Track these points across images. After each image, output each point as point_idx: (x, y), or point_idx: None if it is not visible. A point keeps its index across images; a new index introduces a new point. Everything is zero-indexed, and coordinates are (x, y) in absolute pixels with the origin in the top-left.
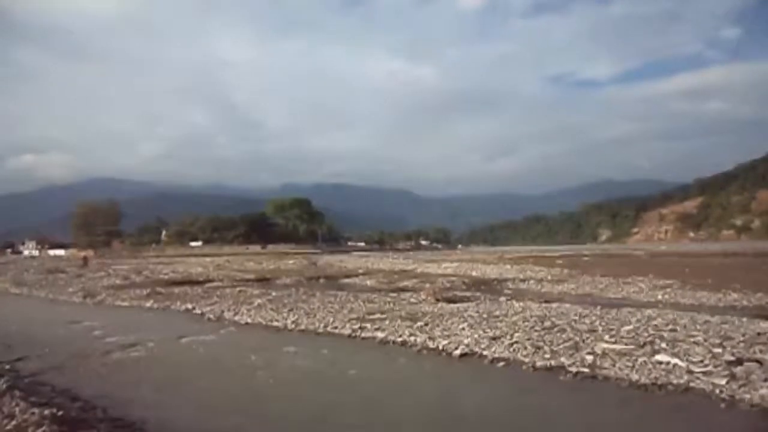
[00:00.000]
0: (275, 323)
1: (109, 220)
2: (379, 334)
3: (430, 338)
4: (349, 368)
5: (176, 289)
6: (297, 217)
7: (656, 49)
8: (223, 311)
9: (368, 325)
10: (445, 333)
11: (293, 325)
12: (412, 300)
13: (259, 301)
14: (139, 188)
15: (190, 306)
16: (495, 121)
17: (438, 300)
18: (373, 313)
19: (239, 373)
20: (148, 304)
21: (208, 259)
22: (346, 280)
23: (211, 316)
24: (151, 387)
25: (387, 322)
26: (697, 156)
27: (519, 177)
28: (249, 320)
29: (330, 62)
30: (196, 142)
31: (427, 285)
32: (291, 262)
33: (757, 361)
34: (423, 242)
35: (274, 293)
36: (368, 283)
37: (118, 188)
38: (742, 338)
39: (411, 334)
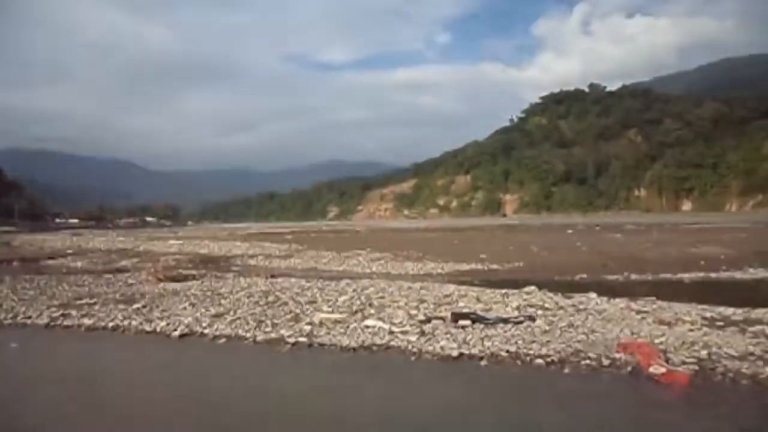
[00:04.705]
0: None
1: None
2: (87, 321)
3: (146, 321)
4: (44, 363)
5: None
6: None
7: (386, 42)
8: None
9: (73, 312)
10: (165, 314)
11: None
12: (131, 281)
13: None
14: None
15: None
16: (231, 95)
17: (160, 280)
18: (81, 298)
19: None
20: None
21: None
22: (51, 262)
23: None
24: None
25: (97, 307)
26: (414, 142)
27: (254, 153)
28: None
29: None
30: None
31: (149, 264)
32: None
33: (441, 318)
34: (149, 219)
35: None
36: (79, 264)
37: None
38: (433, 300)
39: (125, 318)
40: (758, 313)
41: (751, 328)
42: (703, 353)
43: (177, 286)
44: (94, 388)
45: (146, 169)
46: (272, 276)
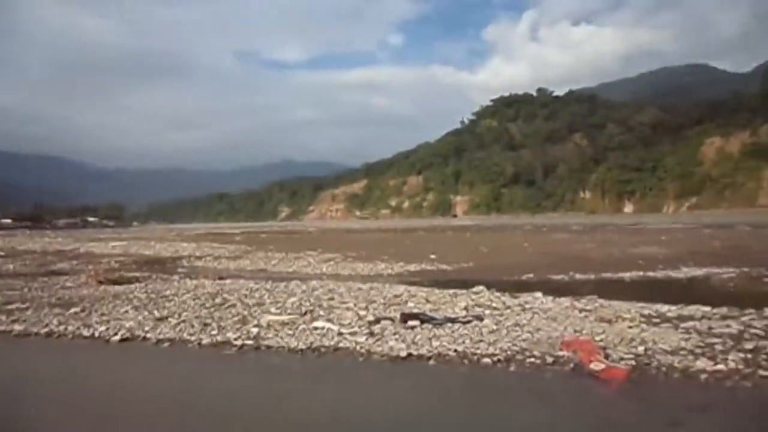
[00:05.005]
0: None
1: None
2: (17, 327)
3: (84, 325)
4: None
5: None
6: None
7: (339, 42)
8: None
9: (2, 317)
10: (104, 318)
11: None
12: (69, 284)
13: None
14: None
15: None
16: (182, 91)
17: (101, 282)
18: (12, 303)
19: None
20: None
21: None
22: None
23: None
24: None
25: (30, 311)
26: (366, 143)
27: (205, 152)
28: None
29: None
30: None
31: (89, 267)
32: None
33: (390, 319)
34: (91, 219)
35: None
36: (11, 266)
37: None
38: (383, 301)
39: (61, 323)
40: (690, 309)
41: (683, 324)
42: (640, 349)
43: (119, 288)
44: (18, 395)
45: (90, 168)
46: (220, 278)
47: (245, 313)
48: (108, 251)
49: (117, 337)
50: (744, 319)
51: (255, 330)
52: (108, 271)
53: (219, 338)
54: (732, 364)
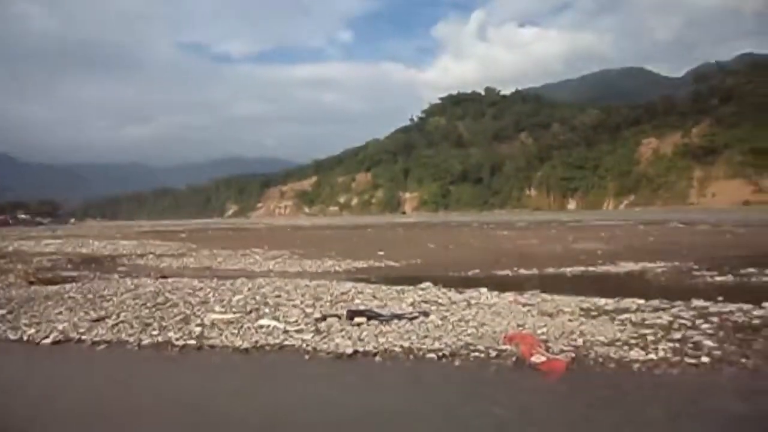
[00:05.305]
0: None
1: None
2: None
3: (12, 328)
4: None
5: None
6: None
7: (288, 37)
8: None
9: None
10: (35, 320)
11: None
12: None
13: None
14: None
15: None
16: (125, 85)
17: (32, 282)
18: None
19: None
20: None
21: None
22: None
23: None
24: None
25: None
26: (315, 139)
27: (149, 148)
28: None
29: None
30: None
31: (19, 266)
32: None
33: (337, 316)
34: (22, 216)
35: None
36: None
37: None
38: (330, 298)
39: None
40: (626, 302)
41: (619, 317)
42: (579, 341)
43: (52, 289)
44: None
45: (24, 162)
46: (162, 276)
47: (188, 312)
48: (41, 249)
49: (48, 340)
50: (673, 310)
51: (198, 329)
52: (40, 270)
53: (160, 339)
54: (662, 353)
